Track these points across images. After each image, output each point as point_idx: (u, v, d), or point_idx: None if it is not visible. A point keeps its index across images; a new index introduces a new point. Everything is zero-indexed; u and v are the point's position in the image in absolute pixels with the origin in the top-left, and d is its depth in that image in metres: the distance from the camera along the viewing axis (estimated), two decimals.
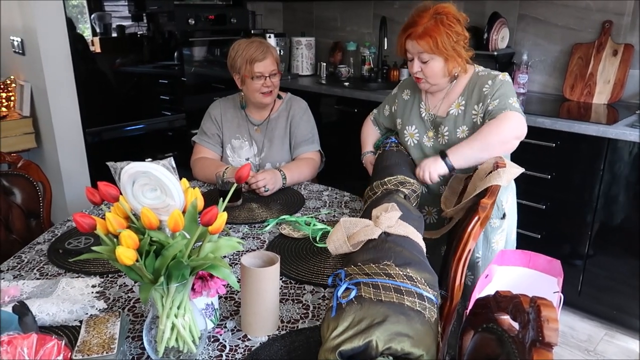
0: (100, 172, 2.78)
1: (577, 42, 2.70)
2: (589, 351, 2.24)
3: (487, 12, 2.90)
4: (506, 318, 0.86)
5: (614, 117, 2.32)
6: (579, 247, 2.35)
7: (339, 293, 1.00)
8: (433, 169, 1.56)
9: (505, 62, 2.90)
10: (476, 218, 1.26)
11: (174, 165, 0.86)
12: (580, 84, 2.70)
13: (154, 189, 0.86)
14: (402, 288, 0.99)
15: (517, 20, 2.90)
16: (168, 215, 0.85)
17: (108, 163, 0.85)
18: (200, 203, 0.92)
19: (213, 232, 0.88)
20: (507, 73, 1.62)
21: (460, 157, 1.54)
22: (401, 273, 1.02)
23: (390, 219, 1.19)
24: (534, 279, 1.48)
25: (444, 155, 1.55)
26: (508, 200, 1.69)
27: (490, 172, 1.40)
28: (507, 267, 1.51)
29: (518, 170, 1.44)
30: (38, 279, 1.25)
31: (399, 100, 1.80)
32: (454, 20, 1.53)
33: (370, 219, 1.26)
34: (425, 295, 1.00)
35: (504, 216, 1.68)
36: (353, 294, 0.97)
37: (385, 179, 1.54)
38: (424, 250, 1.22)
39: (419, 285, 1.01)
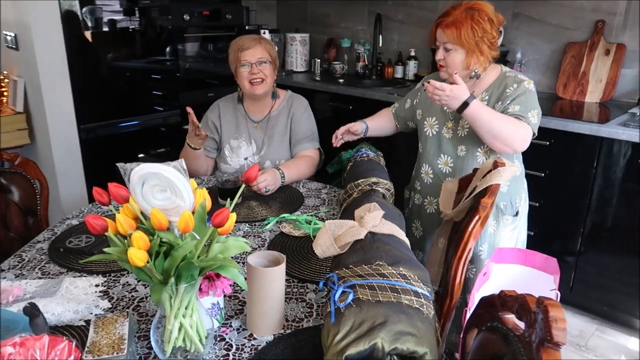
0: (94, 169, 2.76)
1: (570, 41, 2.74)
2: (580, 346, 2.28)
3: None
4: (511, 317, 0.87)
5: (606, 116, 2.36)
6: (571, 244, 2.39)
7: (336, 297, 0.99)
8: (455, 88, 1.51)
9: (499, 60, 2.92)
10: (477, 217, 1.28)
11: (185, 167, 0.86)
12: (572, 82, 2.73)
13: (163, 189, 0.86)
14: (397, 287, 0.99)
15: (512, 18, 2.93)
16: (178, 216, 0.85)
17: (118, 164, 0.85)
18: (209, 204, 0.93)
19: (223, 233, 0.89)
20: (532, 81, 1.65)
21: (480, 111, 1.53)
22: (394, 272, 1.03)
23: (374, 219, 1.19)
24: (531, 276, 1.50)
25: (471, 97, 1.53)
26: (522, 199, 1.74)
27: (489, 171, 1.41)
28: (504, 264, 1.54)
29: (516, 169, 1.47)
30: (40, 278, 1.25)
31: (422, 93, 1.83)
32: (485, 18, 1.58)
33: (351, 219, 1.26)
34: (421, 292, 1.00)
35: (516, 214, 1.72)
36: (350, 297, 0.97)
37: (359, 181, 1.56)
38: (409, 247, 1.23)
39: (413, 283, 1.02)
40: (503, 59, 2.93)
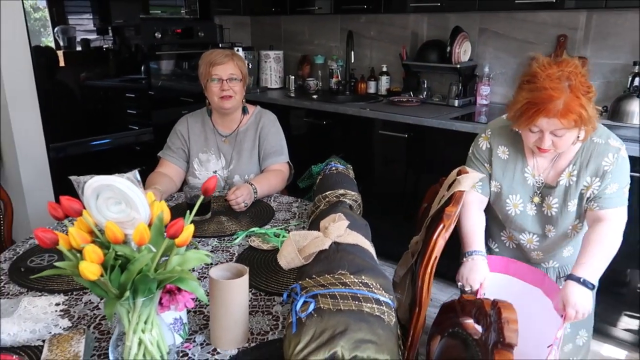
0: (64, 188, 2.70)
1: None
2: None
3: (449, 26, 2.99)
4: (470, 322, 0.88)
5: None
6: None
7: (297, 307, 0.99)
8: (587, 305, 1.31)
9: (468, 75, 2.99)
10: (441, 226, 1.29)
11: (139, 178, 0.85)
12: None
13: (118, 202, 0.85)
14: (359, 295, 0.99)
15: (478, 34, 3.00)
16: (133, 228, 0.84)
17: (71, 177, 0.84)
18: (167, 216, 0.92)
19: (180, 245, 0.87)
20: (624, 145, 1.41)
21: (595, 273, 1.34)
22: (356, 280, 1.03)
23: (339, 229, 1.20)
24: (518, 288, 1.45)
25: (577, 279, 1.32)
26: None
27: (454, 180, 1.43)
28: (492, 273, 1.49)
29: (478, 175, 1.49)
30: None
31: (495, 159, 1.52)
32: (585, 81, 1.30)
33: (318, 231, 1.27)
34: (382, 300, 1.01)
35: None
36: (311, 307, 0.97)
37: (326, 193, 1.57)
38: (375, 256, 1.24)
39: (375, 291, 1.02)
40: (472, 72, 3.00)
